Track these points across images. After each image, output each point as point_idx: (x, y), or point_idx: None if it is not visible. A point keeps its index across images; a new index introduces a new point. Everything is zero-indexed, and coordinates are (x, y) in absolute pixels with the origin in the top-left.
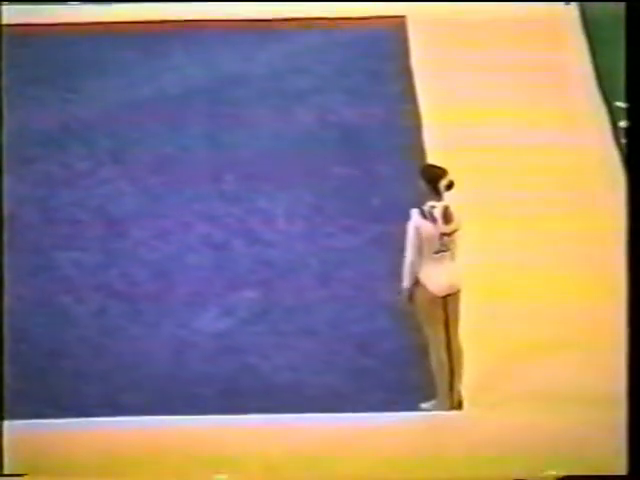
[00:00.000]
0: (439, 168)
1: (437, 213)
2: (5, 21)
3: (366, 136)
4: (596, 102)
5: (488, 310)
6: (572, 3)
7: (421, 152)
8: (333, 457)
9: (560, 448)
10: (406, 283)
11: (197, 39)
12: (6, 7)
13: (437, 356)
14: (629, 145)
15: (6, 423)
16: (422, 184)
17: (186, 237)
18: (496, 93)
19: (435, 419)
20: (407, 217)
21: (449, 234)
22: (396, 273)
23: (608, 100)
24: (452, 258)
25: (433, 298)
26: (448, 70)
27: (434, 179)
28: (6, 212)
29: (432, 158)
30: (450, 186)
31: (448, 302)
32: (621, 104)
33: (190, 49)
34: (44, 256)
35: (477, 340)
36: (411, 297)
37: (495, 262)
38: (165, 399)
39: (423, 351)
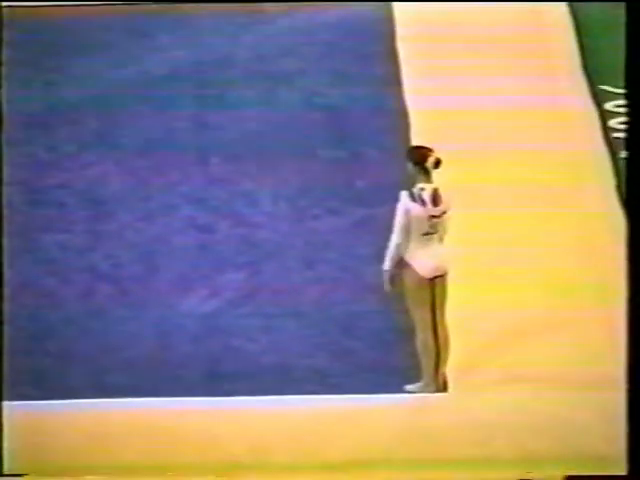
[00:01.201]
0: (425, 148)
1: (426, 195)
2: None
3: (352, 118)
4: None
5: (475, 293)
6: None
7: (407, 134)
8: (319, 439)
9: (545, 430)
10: (388, 265)
11: (183, 20)
12: None
13: (423, 339)
14: (629, 145)
15: None
16: (410, 166)
17: (172, 219)
18: (482, 74)
19: (420, 401)
20: (392, 200)
21: (438, 216)
22: (381, 255)
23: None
24: (440, 240)
25: (420, 280)
26: (433, 52)
27: (421, 159)
28: None
29: (417, 140)
30: (437, 164)
31: (435, 284)
32: (608, 87)
33: (176, 30)
34: (29, 238)
35: (463, 323)
36: (393, 279)
37: (482, 247)
38: (151, 381)
39: (409, 333)
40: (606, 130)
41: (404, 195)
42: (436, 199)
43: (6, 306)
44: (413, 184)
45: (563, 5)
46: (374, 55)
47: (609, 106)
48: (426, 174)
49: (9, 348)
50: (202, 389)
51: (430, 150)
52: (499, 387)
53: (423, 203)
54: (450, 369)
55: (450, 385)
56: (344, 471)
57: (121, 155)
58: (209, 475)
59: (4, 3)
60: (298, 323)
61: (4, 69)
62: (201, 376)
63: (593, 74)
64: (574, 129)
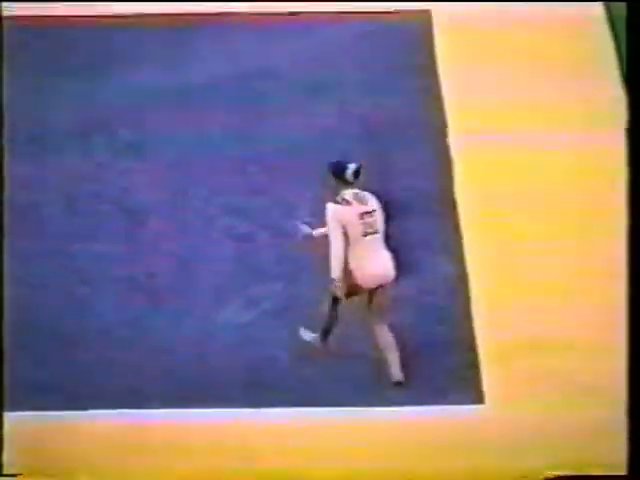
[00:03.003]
0: (343, 162)
1: (349, 197)
2: (28, 12)
3: (388, 129)
4: (619, 100)
5: (504, 303)
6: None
7: (444, 145)
8: (357, 450)
9: (574, 443)
10: (335, 274)
11: (221, 31)
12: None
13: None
14: (629, 144)
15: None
16: (331, 180)
17: (209, 229)
18: (519, 87)
19: (455, 413)
20: (425, 211)
21: (369, 213)
22: (415, 267)
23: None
24: (383, 244)
25: (361, 289)
26: (471, 64)
27: (340, 171)
28: (27, 201)
29: (455, 151)
30: (357, 173)
31: (375, 293)
32: None
33: (214, 42)
34: (65, 247)
35: (495, 331)
36: (342, 287)
37: (512, 258)
38: (188, 390)
39: (445, 346)
40: None
41: (329, 205)
42: (360, 199)
43: (42, 314)
44: (337, 195)
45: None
46: (411, 67)
47: None
48: (347, 184)
49: (44, 357)
50: (238, 399)
51: (348, 163)
52: (534, 400)
53: (348, 203)
54: (487, 380)
55: (487, 397)
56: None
57: (158, 164)
58: None
59: (38, 12)
60: (333, 334)
61: (43, 79)
62: (237, 386)
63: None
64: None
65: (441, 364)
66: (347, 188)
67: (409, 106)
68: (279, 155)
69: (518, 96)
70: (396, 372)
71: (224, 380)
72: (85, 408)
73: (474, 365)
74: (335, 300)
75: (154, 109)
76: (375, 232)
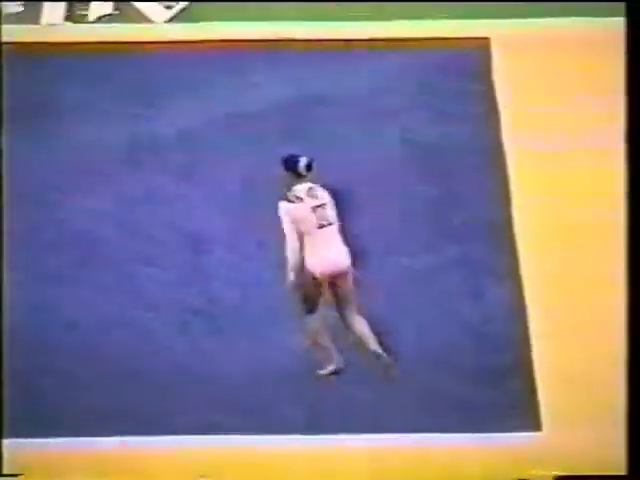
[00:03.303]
0: (295, 155)
1: (300, 192)
2: (82, 39)
3: (448, 156)
4: None
5: (563, 329)
6: None
7: (504, 172)
8: (407, 474)
9: None
10: (291, 275)
11: (279, 58)
12: (88, 25)
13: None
14: (629, 146)
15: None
16: (285, 175)
17: (265, 255)
18: (578, 112)
19: (512, 440)
20: (488, 237)
21: (320, 206)
22: (477, 293)
23: None
24: (339, 235)
25: (319, 281)
26: (530, 91)
27: (293, 164)
28: (82, 228)
29: (514, 177)
30: (310, 166)
31: (336, 284)
32: None
33: (271, 68)
34: (123, 272)
35: (554, 357)
36: (296, 284)
37: (571, 283)
38: (247, 416)
39: (504, 372)
40: None
41: (282, 204)
42: (312, 194)
43: (99, 340)
44: (289, 191)
45: None
46: (472, 93)
47: None
48: (299, 178)
49: (104, 384)
50: (295, 425)
51: (299, 156)
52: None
53: (300, 199)
54: (546, 407)
55: (544, 423)
56: None
57: (214, 190)
58: None
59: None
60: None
61: (98, 104)
62: (295, 412)
63: None
64: None
65: (499, 390)
66: (300, 182)
67: (468, 132)
68: (339, 182)
69: (577, 120)
70: (375, 348)
71: (281, 405)
72: (146, 433)
73: (532, 391)
74: (310, 309)
75: (210, 135)
76: (329, 224)
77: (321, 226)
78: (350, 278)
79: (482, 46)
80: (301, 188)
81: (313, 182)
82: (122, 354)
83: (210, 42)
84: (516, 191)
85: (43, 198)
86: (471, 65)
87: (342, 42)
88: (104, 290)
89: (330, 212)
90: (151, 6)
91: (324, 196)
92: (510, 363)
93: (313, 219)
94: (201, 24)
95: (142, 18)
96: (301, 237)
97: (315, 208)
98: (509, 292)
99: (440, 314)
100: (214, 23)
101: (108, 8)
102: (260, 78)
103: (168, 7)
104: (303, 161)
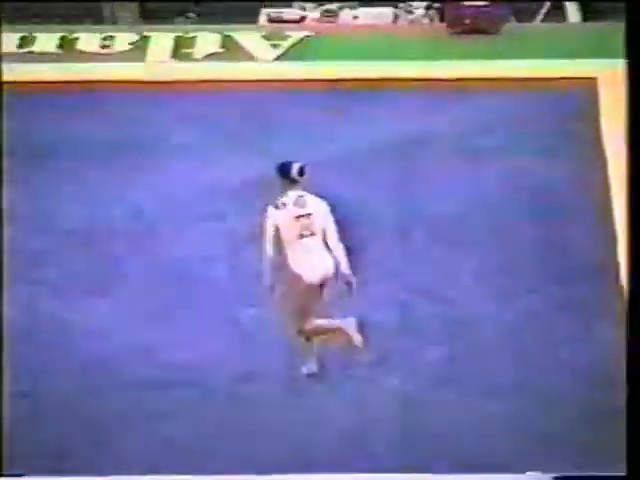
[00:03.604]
0: (288, 161)
1: (288, 200)
2: (188, 77)
3: (555, 197)
4: None
5: None
6: None
7: (611, 214)
8: None
9: None
10: (266, 280)
11: (381, 96)
12: (190, 64)
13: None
14: (630, 145)
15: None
16: (279, 181)
17: (372, 295)
18: None
19: None
20: (595, 280)
21: (303, 216)
22: (581, 337)
23: None
24: (322, 245)
25: (307, 287)
26: None
27: (286, 170)
28: (192, 268)
29: (618, 218)
30: (302, 170)
31: (322, 290)
32: None
33: (374, 106)
34: (229, 313)
35: None
36: (275, 291)
37: None
38: (349, 458)
39: (611, 412)
40: None
41: (269, 208)
42: (300, 202)
43: (193, 376)
44: (282, 197)
45: None
46: (578, 134)
47: None
48: (293, 183)
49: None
50: (399, 467)
51: (292, 162)
52: None
53: (284, 206)
54: None
55: None
56: None
57: None
58: None
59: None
60: (497, 402)
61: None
62: (397, 455)
63: None
64: None
65: (606, 432)
66: (293, 188)
67: (578, 174)
68: (443, 221)
69: None
70: (357, 337)
71: (384, 448)
72: (239, 473)
73: None
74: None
75: (315, 174)
76: (312, 234)
77: (302, 236)
78: (326, 292)
79: (589, 86)
80: (291, 195)
81: (310, 189)
82: (220, 393)
83: (313, 81)
84: (621, 233)
85: None
86: (577, 105)
87: (445, 82)
88: (210, 329)
89: (317, 222)
90: (257, 44)
91: (312, 207)
92: (616, 404)
93: (295, 228)
94: (298, 63)
95: (247, 56)
96: (281, 242)
97: (299, 217)
98: (613, 331)
99: (544, 356)
100: (309, 62)
101: (214, 46)
102: (362, 117)
103: (274, 46)
104: (295, 166)
